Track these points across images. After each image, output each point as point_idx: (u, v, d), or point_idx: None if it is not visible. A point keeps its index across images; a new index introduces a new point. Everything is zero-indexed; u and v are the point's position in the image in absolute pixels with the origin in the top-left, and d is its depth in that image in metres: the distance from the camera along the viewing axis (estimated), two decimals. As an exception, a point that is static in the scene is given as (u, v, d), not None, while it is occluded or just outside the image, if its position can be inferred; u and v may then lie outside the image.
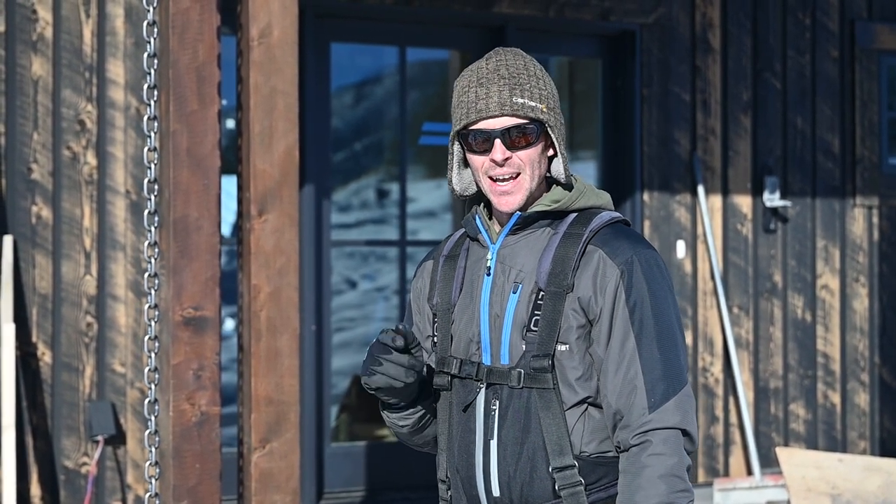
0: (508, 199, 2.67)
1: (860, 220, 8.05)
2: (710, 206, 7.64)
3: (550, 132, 2.67)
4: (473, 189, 2.79)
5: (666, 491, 2.53)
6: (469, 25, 7.37)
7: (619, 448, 2.61)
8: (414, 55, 7.71)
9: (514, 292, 2.66)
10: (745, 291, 7.72)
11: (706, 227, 7.56)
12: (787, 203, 7.78)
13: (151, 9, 4.13)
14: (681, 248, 7.57)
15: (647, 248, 2.66)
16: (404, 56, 7.40)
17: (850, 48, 8.03)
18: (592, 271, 2.63)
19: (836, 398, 7.95)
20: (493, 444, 2.65)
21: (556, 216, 2.71)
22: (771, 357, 7.78)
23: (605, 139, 7.69)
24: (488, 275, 2.71)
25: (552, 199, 2.70)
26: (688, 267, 7.58)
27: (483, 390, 2.67)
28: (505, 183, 2.67)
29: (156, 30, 4.18)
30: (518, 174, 2.67)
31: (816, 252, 7.94)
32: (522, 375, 2.63)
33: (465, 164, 2.77)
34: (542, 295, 2.63)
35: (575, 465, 2.61)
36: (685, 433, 2.58)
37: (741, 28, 7.75)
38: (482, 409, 2.67)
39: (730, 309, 7.66)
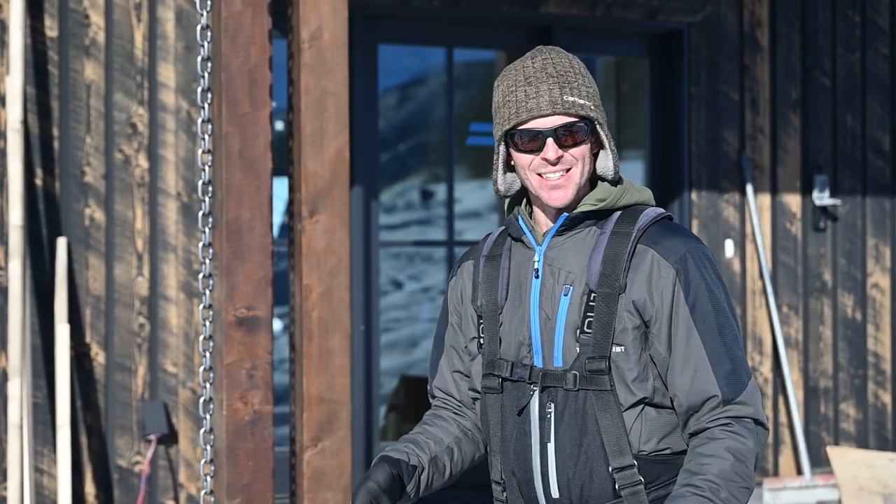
0: (559, 193, 2.65)
1: (910, 218, 8.00)
2: (758, 204, 7.61)
3: (599, 129, 2.67)
4: (516, 188, 2.78)
5: (731, 466, 2.53)
6: (516, 26, 7.38)
7: (692, 435, 2.60)
8: (460, 56, 7.73)
9: (566, 295, 2.65)
10: (794, 290, 7.69)
11: (755, 226, 7.54)
12: (837, 201, 7.74)
13: (205, 13, 4.17)
14: (729, 248, 7.55)
15: (698, 242, 2.67)
16: (451, 57, 7.42)
17: (900, 45, 7.99)
18: (646, 272, 2.62)
19: (886, 398, 7.90)
20: (551, 446, 2.65)
21: (601, 215, 2.70)
22: (821, 356, 7.74)
23: (653, 138, 7.68)
24: (536, 277, 2.69)
25: (597, 199, 2.69)
26: (736, 266, 7.56)
27: (537, 393, 2.67)
28: (556, 177, 2.65)
29: (209, 33, 4.22)
30: (569, 169, 2.66)
31: (867, 250, 7.89)
32: (578, 378, 2.62)
33: (509, 166, 2.75)
34: (594, 296, 2.62)
35: (635, 465, 2.61)
36: (758, 422, 2.59)
37: (790, 26, 7.71)
38: (537, 412, 2.66)
39: (779, 308, 7.63)
